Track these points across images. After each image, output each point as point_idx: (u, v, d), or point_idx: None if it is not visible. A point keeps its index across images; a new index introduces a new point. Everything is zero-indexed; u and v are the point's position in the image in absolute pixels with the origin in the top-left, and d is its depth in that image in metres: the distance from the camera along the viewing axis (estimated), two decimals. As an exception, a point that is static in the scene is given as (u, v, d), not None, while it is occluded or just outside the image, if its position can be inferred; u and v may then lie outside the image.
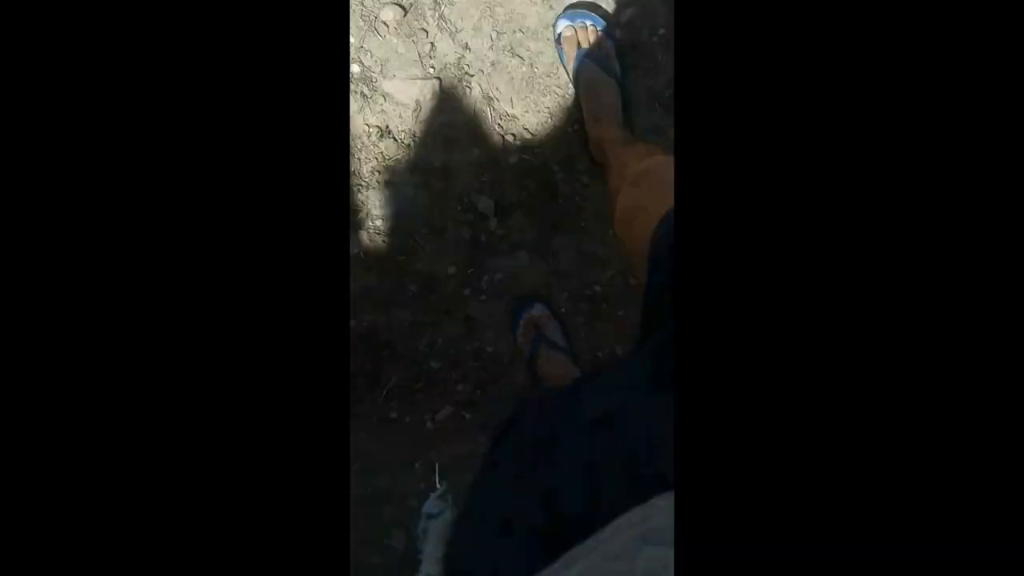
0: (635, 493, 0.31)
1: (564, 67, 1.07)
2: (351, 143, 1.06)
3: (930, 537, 0.24)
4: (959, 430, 0.25)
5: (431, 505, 0.70)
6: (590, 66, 1.02)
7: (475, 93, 1.06)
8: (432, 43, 1.03)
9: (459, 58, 1.04)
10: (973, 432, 0.24)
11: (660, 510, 0.29)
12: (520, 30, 1.05)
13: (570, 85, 1.06)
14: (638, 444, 0.37)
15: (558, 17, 1.05)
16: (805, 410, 0.25)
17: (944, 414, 0.25)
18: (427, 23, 1.03)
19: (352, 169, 1.07)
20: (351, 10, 1.02)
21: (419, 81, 1.02)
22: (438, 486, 0.72)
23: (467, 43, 1.04)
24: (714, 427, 0.26)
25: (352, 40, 1.02)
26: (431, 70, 1.03)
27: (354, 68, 1.03)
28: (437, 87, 1.03)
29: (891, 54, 0.26)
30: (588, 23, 1.04)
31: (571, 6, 1.05)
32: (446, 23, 1.03)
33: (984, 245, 0.25)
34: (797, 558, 0.24)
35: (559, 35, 1.05)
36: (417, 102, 1.04)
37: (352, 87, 1.03)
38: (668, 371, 0.41)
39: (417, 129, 1.05)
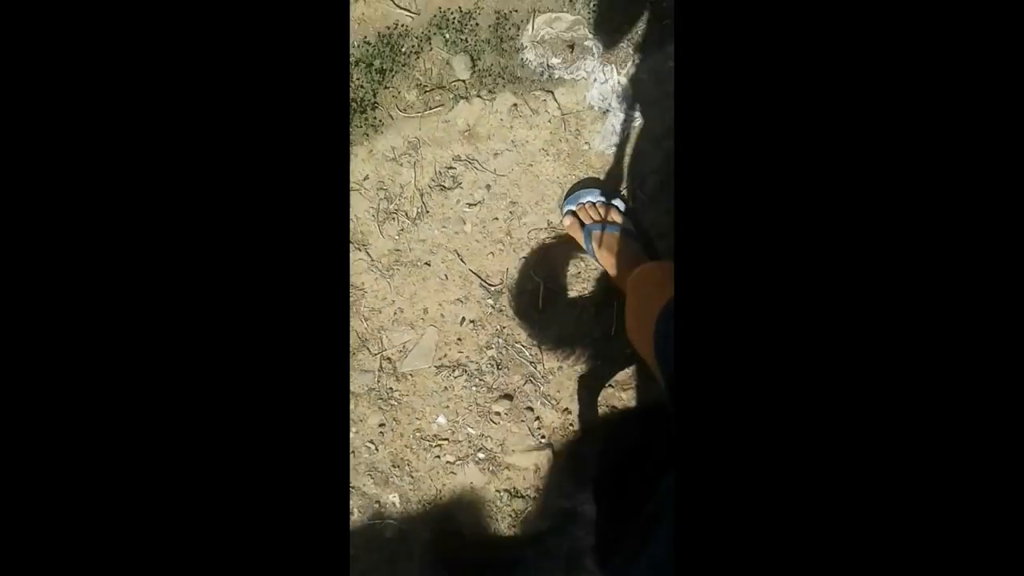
0: None
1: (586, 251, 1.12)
2: (484, 509, 1.23)
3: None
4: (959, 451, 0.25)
5: None
6: (596, 232, 1.09)
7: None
8: (538, 417, 1.20)
9: (563, 421, 1.21)
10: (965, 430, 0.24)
11: None
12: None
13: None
14: None
15: (563, 209, 1.14)
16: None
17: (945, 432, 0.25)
18: (532, 402, 1.20)
19: (492, 528, 1.24)
20: (467, 407, 1.20)
21: (534, 452, 1.19)
22: None
23: (567, 407, 1.21)
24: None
25: (472, 431, 1.20)
26: (542, 439, 1.20)
27: (479, 455, 1.20)
28: (550, 452, 1.20)
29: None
30: (588, 200, 1.12)
31: (571, 191, 1.15)
32: (547, 399, 1.20)
33: (984, 245, 0.24)
34: None
35: (566, 226, 1.12)
36: (536, 464, 1.20)
37: (480, 467, 1.21)
38: None
39: (539, 483, 1.22)
